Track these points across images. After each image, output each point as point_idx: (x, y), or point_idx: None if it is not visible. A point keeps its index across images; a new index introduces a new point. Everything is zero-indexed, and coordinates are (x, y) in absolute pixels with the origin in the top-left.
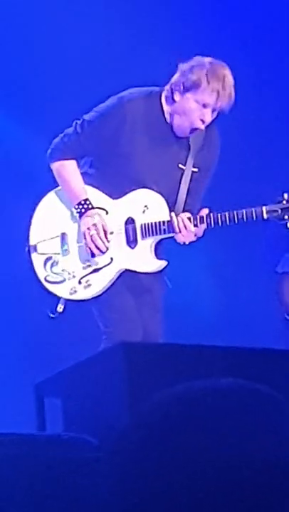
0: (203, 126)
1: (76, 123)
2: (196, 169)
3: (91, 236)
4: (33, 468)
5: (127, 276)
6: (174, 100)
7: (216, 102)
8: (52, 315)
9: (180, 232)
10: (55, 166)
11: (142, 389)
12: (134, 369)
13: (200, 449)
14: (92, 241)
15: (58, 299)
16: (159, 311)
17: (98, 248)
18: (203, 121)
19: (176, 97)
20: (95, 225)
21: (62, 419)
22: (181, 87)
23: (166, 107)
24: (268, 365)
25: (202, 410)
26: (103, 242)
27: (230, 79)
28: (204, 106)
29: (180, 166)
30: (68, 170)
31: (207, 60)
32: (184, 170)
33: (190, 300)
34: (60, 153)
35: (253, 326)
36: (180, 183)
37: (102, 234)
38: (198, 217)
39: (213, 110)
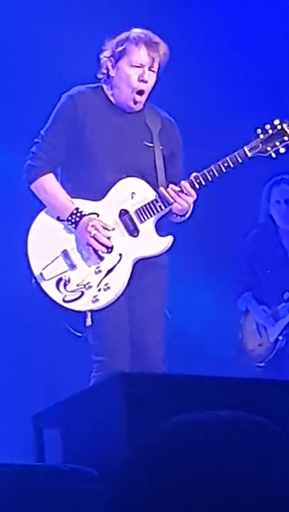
0: (145, 87)
1: (37, 139)
2: (162, 147)
3: (93, 236)
4: (32, 499)
5: (127, 302)
6: (110, 77)
7: (149, 59)
8: (79, 334)
9: (174, 201)
10: (35, 185)
11: (142, 419)
12: (133, 399)
13: (200, 482)
14: (97, 240)
15: (80, 317)
16: (159, 333)
17: (103, 245)
18: (144, 81)
19: (111, 72)
20: (93, 226)
21: (62, 451)
22: (113, 61)
23: (108, 92)
24: (267, 397)
25: (201, 442)
26: (108, 238)
27: (156, 37)
28: (139, 66)
29: (146, 143)
30: (49, 184)
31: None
32: (152, 148)
33: (190, 329)
34: (36, 169)
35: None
36: (155, 161)
37: (103, 231)
38: (186, 181)
39: (151, 69)
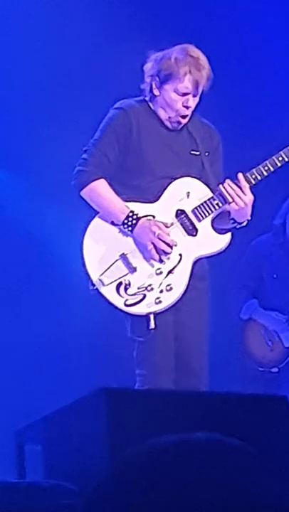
0: (189, 112)
1: (87, 147)
2: (207, 153)
3: (158, 236)
4: None
5: (173, 315)
6: (154, 95)
7: (194, 87)
8: (142, 339)
9: (233, 200)
10: (87, 190)
11: (123, 435)
12: (115, 415)
13: (179, 500)
14: (161, 239)
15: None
16: (203, 352)
17: (168, 244)
18: (188, 108)
19: (155, 91)
20: (156, 225)
21: (43, 467)
22: (158, 80)
23: (152, 107)
24: (253, 413)
25: (178, 464)
26: (169, 236)
27: (203, 61)
28: (184, 94)
29: (193, 152)
30: (102, 188)
31: (177, 48)
32: (200, 156)
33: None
34: (88, 174)
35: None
36: (204, 167)
37: (166, 230)
38: (243, 177)
39: (194, 95)
